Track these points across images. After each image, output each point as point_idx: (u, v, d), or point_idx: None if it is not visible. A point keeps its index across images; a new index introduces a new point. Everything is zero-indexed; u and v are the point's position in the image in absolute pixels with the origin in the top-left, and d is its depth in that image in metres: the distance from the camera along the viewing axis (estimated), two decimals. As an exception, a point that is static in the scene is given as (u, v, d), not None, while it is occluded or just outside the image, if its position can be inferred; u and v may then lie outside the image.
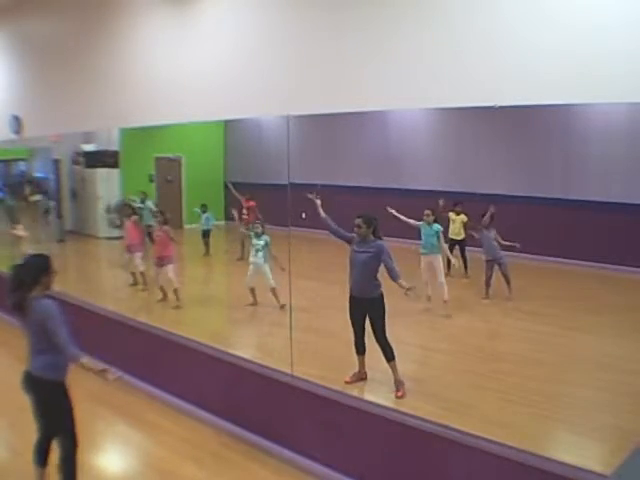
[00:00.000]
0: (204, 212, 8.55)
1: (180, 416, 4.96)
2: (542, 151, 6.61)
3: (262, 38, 4.55)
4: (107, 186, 8.80)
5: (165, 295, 6.88)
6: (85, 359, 3.35)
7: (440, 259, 6.09)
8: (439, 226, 6.03)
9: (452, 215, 7.03)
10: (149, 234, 8.21)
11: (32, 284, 3.45)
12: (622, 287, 6.00)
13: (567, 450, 3.60)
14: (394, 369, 4.35)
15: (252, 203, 8.57)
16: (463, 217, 6.97)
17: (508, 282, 6.21)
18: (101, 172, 8.76)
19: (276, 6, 4.42)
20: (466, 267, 6.95)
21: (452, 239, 6.99)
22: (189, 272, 8.92)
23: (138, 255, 7.42)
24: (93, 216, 9.02)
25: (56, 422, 3.53)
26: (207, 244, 8.71)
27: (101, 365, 3.42)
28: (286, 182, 4.64)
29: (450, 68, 3.46)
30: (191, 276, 8.55)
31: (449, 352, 4.93)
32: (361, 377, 4.52)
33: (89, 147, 8.69)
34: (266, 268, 6.50)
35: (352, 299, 4.51)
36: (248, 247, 8.59)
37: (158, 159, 9.27)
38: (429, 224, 6.10)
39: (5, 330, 7.47)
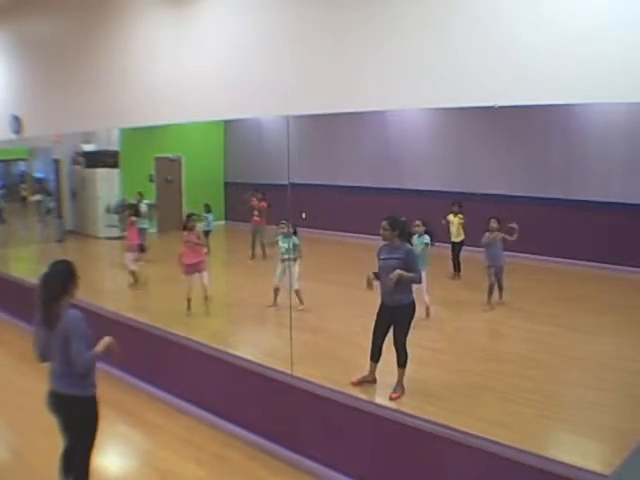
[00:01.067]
0: (208, 212, 8.54)
1: (180, 416, 4.96)
2: (542, 151, 6.62)
3: (262, 38, 4.55)
4: (107, 186, 8.81)
5: (190, 303, 6.50)
6: (98, 349, 3.33)
7: (425, 275, 5.74)
8: (428, 237, 5.80)
9: (450, 217, 6.90)
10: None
11: (62, 293, 3.26)
12: (622, 287, 6.00)
13: (567, 450, 3.60)
14: (401, 374, 4.32)
15: (264, 204, 8.54)
16: (460, 218, 6.85)
17: (502, 288, 6.13)
18: (101, 172, 8.77)
19: (276, 6, 4.42)
20: (460, 269, 6.92)
21: (453, 242, 6.87)
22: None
23: (131, 256, 7.46)
24: (93, 216, 9.04)
25: (81, 436, 3.44)
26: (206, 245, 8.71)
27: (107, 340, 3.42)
28: (286, 182, 4.64)
29: (450, 68, 3.46)
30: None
31: (449, 352, 4.93)
32: (368, 381, 4.45)
33: (89, 147, 8.70)
34: (295, 269, 6.40)
35: (382, 306, 4.41)
36: (258, 247, 8.62)
37: (158, 159, 9.28)
38: (419, 235, 5.84)
39: (5, 330, 7.48)
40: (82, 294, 6.97)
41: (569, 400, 4.39)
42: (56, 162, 9.00)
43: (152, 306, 6.95)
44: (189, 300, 6.45)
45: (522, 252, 6.34)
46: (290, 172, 4.58)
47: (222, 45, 4.88)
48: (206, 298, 6.46)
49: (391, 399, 4.18)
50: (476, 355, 5.26)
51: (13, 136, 7.83)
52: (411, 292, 4.35)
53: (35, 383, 5.62)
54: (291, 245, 6.34)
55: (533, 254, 6.47)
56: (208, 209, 8.55)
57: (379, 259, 4.40)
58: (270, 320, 6.57)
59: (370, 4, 3.80)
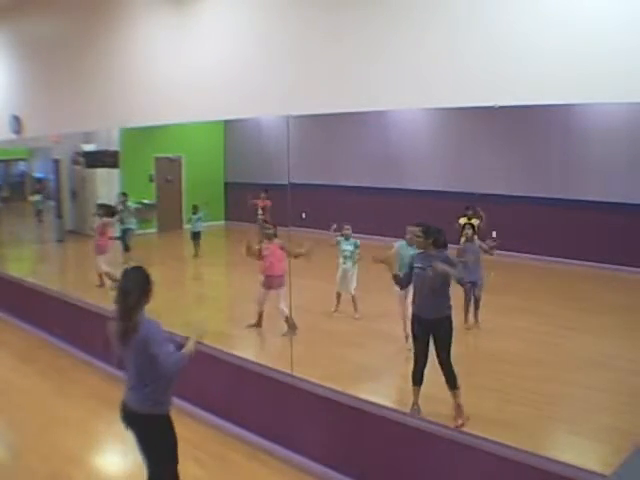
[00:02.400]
0: (194, 214, 8.52)
1: (180, 416, 4.93)
2: (542, 151, 6.61)
3: (262, 38, 4.55)
4: (107, 186, 8.80)
5: (260, 321, 6.02)
6: (189, 347, 3.15)
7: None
8: (356, 241, 5.70)
9: (463, 220, 6.22)
10: (123, 237, 8.23)
11: (140, 301, 3.04)
12: (622, 287, 6.00)
13: (567, 450, 3.60)
14: (457, 397, 3.93)
15: (268, 202, 8.54)
16: (475, 221, 6.19)
17: (478, 306, 5.53)
18: (101, 172, 8.76)
19: (276, 6, 4.42)
20: None
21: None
22: (227, 278, 8.83)
23: (103, 258, 7.42)
24: (93, 216, 9.02)
25: (155, 457, 3.21)
26: (196, 246, 8.67)
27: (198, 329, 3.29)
28: (286, 182, 4.63)
29: (450, 68, 3.46)
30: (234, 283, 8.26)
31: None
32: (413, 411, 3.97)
33: (89, 147, 8.69)
34: (354, 273, 6.14)
35: (416, 319, 4.08)
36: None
37: (158, 159, 9.28)
38: (347, 239, 5.68)
39: (5, 330, 7.48)
40: (82, 294, 7.00)
41: (569, 400, 4.39)
42: (56, 162, 8.99)
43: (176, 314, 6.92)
44: (260, 316, 5.94)
45: (522, 252, 6.34)
46: (290, 172, 4.58)
47: (222, 45, 4.88)
48: (287, 319, 5.61)
49: (458, 427, 3.71)
50: (475, 355, 5.26)
51: (13, 136, 7.83)
52: (450, 303, 4.03)
53: (35, 383, 5.64)
54: (353, 248, 6.08)
55: (533, 254, 6.47)
56: (195, 210, 8.53)
57: (413, 267, 4.09)
58: (370, 340, 5.79)
59: (370, 4, 3.81)
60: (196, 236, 8.63)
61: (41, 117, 7.37)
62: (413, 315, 4.09)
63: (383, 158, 8.32)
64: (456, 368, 4.61)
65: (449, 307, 4.01)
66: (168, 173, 9.43)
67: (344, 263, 6.18)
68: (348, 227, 6.12)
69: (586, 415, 4.13)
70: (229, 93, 4.82)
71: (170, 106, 5.39)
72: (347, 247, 6.14)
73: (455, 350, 4.85)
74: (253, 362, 4.61)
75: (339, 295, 6.25)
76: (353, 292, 6.15)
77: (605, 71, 2.88)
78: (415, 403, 4.01)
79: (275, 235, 5.94)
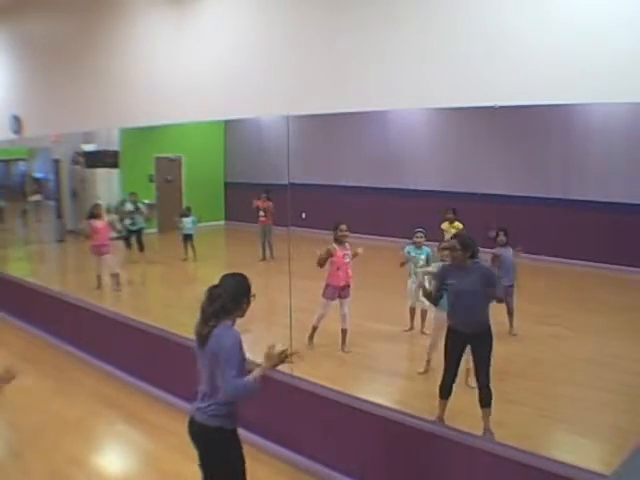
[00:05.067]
0: (187, 216, 8.37)
1: (180, 416, 4.94)
2: (542, 151, 6.61)
3: (262, 38, 4.55)
4: (107, 186, 8.80)
5: (313, 334, 5.49)
6: (255, 374, 2.77)
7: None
8: (429, 250, 5.43)
9: (445, 225, 6.21)
10: (126, 238, 8.23)
11: (231, 310, 2.82)
12: (622, 287, 6.00)
13: (567, 450, 3.60)
14: (487, 416, 3.73)
15: (269, 204, 8.48)
16: (458, 225, 6.17)
17: (512, 313, 5.35)
18: (101, 172, 8.75)
19: (276, 6, 4.42)
20: None
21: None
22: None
23: (108, 257, 7.41)
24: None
25: (218, 477, 3.00)
26: (186, 248, 8.52)
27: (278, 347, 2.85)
28: (286, 182, 4.63)
29: (450, 68, 3.46)
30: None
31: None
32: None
33: (89, 147, 8.68)
34: (426, 286, 5.52)
35: (453, 334, 3.86)
36: (268, 247, 8.58)
37: (158, 159, 9.28)
38: (419, 247, 5.40)
39: (5, 330, 7.48)
40: (82, 294, 7.00)
41: (569, 400, 4.39)
42: (56, 162, 9.00)
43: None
44: (314, 329, 5.46)
45: (521, 252, 6.33)
46: (290, 172, 4.58)
47: (222, 45, 4.88)
48: (344, 331, 5.40)
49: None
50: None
51: (13, 136, 7.83)
52: (489, 316, 3.85)
53: (35, 383, 5.64)
54: (426, 257, 5.48)
55: (533, 254, 6.46)
56: (187, 213, 8.40)
57: (446, 283, 3.86)
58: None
59: (370, 4, 3.81)
60: (189, 238, 8.50)
61: (41, 117, 7.37)
62: (449, 329, 3.89)
63: (383, 158, 8.32)
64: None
65: (488, 319, 3.82)
66: (168, 173, 9.43)
67: (417, 273, 5.45)
68: (421, 233, 5.50)
69: (586, 415, 4.13)
70: (229, 93, 4.82)
71: (170, 106, 5.39)
72: (421, 256, 5.48)
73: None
74: (253, 362, 4.59)
75: (413, 310, 5.63)
76: (427, 306, 5.43)
77: (605, 71, 2.88)
78: (440, 417, 3.83)
79: (344, 239, 5.41)
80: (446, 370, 3.88)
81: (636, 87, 2.78)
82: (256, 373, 2.78)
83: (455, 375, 3.86)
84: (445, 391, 3.88)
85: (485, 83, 3.32)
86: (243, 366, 2.80)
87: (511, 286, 5.35)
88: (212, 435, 2.89)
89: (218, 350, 2.73)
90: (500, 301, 3.96)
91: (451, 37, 3.45)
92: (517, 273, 5.38)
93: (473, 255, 3.81)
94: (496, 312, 6.05)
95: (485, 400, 3.74)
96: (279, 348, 2.83)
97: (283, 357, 2.83)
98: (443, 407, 3.86)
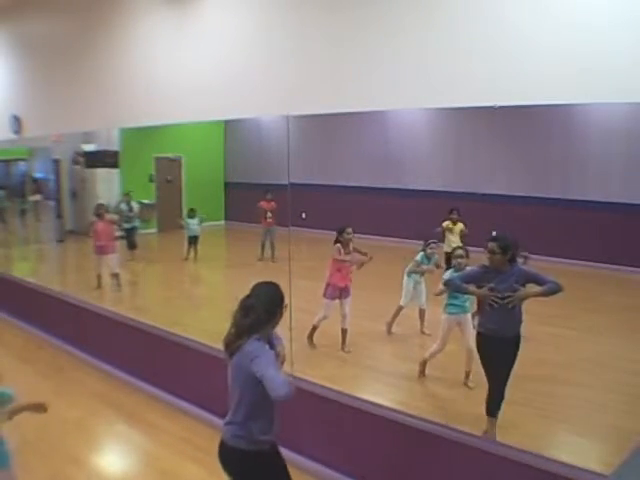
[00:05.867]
0: (192, 217, 8.40)
1: (180, 416, 4.96)
2: (542, 151, 6.61)
3: (262, 38, 4.55)
4: (107, 186, 8.81)
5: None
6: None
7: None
8: (437, 258, 5.46)
9: (449, 224, 6.26)
10: (126, 237, 8.23)
11: (266, 322, 2.66)
12: (622, 287, 6.00)
13: (567, 450, 3.60)
14: (494, 424, 3.65)
15: (273, 204, 8.46)
16: (461, 226, 6.26)
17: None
18: (101, 172, 8.77)
19: (276, 6, 4.42)
20: None
21: (448, 252, 6.03)
22: (230, 279, 8.74)
23: (111, 257, 7.40)
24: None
25: None
26: (190, 248, 8.54)
27: None
28: (286, 182, 4.63)
29: (450, 68, 3.46)
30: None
31: (448, 352, 4.92)
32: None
33: (89, 147, 8.69)
34: (423, 287, 5.66)
35: (493, 341, 3.65)
36: (270, 249, 8.58)
37: (158, 159, 9.28)
38: (429, 257, 5.40)
39: (5, 330, 7.48)
40: (82, 294, 6.99)
41: (569, 400, 4.39)
42: (56, 162, 9.00)
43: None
44: (314, 329, 5.48)
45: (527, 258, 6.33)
46: (290, 172, 4.58)
47: (222, 45, 4.88)
48: (344, 331, 5.44)
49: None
50: (476, 355, 5.25)
51: (13, 136, 7.83)
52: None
53: (35, 383, 5.64)
54: (432, 264, 5.52)
55: (533, 254, 6.45)
56: (193, 214, 8.41)
57: (482, 287, 3.70)
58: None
59: (370, 4, 3.81)
60: (194, 240, 8.51)
61: (41, 117, 7.37)
62: (485, 336, 3.70)
63: (383, 158, 8.33)
64: (456, 367, 4.62)
65: (520, 326, 3.70)
66: (168, 173, 9.43)
67: (417, 277, 5.61)
68: (435, 244, 5.50)
69: (586, 415, 4.13)
70: (229, 93, 4.82)
71: (170, 106, 5.39)
72: (428, 266, 5.51)
73: (455, 349, 4.86)
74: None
75: (400, 309, 5.70)
76: (424, 305, 5.65)
77: (605, 71, 2.88)
78: (490, 431, 3.61)
79: (349, 242, 5.42)
80: (496, 382, 3.62)
81: (636, 87, 2.78)
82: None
83: (505, 387, 3.62)
84: (496, 407, 3.61)
85: (485, 83, 3.32)
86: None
87: None
88: (231, 456, 2.69)
89: (248, 358, 2.53)
90: (551, 294, 3.58)
91: (451, 37, 3.45)
92: None
93: (513, 258, 3.65)
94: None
95: (491, 408, 3.67)
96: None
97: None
98: (493, 425, 3.59)
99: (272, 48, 4.46)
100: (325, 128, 7.92)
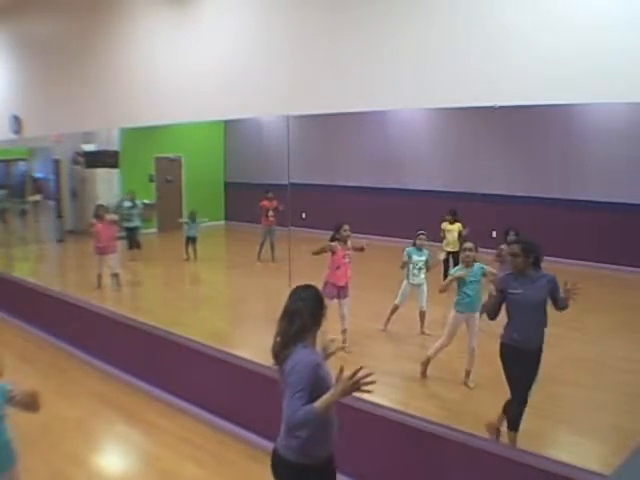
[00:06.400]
0: (193, 220, 8.45)
1: (180, 416, 4.96)
2: (542, 151, 6.61)
3: (262, 38, 4.55)
4: (107, 186, 8.81)
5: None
6: (325, 399, 2.36)
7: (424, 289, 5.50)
8: (428, 252, 5.45)
9: (446, 225, 6.37)
10: (129, 236, 8.24)
11: (312, 326, 2.57)
12: (622, 287, 6.00)
13: (567, 450, 3.60)
14: (500, 423, 3.61)
15: (275, 203, 8.45)
16: (459, 225, 6.34)
17: None
18: (101, 172, 8.77)
19: (276, 6, 4.42)
20: None
21: (447, 251, 6.30)
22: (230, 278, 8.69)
23: (111, 257, 7.40)
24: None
25: None
26: (188, 249, 8.58)
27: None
28: (286, 182, 4.64)
29: (450, 68, 3.46)
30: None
31: (448, 352, 4.93)
32: None
33: (89, 147, 8.69)
34: (424, 288, 5.55)
35: (516, 351, 3.54)
36: (267, 248, 8.58)
37: (158, 159, 9.28)
38: (420, 249, 5.42)
39: (5, 330, 7.48)
40: (82, 294, 6.99)
41: (569, 400, 4.39)
42: (56, 162, 9.00)
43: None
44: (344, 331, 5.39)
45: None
46: (290, 172, 4.58)
47: (222, 45, 4.88)
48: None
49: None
50: (477, 356, 5.25)
51: (13, 136, 7.83)
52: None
53: (35, 383, 5.63)
54: (426, 259, 5.50)
55: (533, 254, 6.46)
56: (193, 217, 8.45)
57: (508, 293, 3.57)
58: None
59: (370, 4, 3.81)
60: (192, 241, 8.53)
61: (41, 117, 7.37)
62: (509, 346, 3.59)
63: (383, 158, 8.33)
64: (457, 368, 4.62)
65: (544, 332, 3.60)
66: (168, 173, 9.43)
67: (415, 276, 5.51)
68: (423, 235, 5.40)
69: (586, 415, 4.13)
70: (229, 93, 4.82)
71: (170, 106, 5.39)
72: (419, 259, 5.47)
73: (455, 349, 4.86)
74: (253, 362, 4.61)
75: (396, 308, 5.64)
76: (425, 307, 5.57)
77: (605, 71, 2.88)
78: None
79: (347, 239, 5.33)
80: (518, 396, 3.51)
81: (636, 87, 2.78)
82: (323, 398, 2.38)
83: (527, 400, 3.51)
84: (517, 422, 3.48)
85: (485, 83, 3.32)
86: (316, 393, 2.39)
87: None
88: (282, 468, 2.62)
89: (290, 371, 2.44)
90: (562, 309, 3.61)
91: (451, 37, 3.45)
92: None
93: (536, 262, 3.55)
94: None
95: (512, 424, 3.55)
96: (349, 373, 2.40)
97: (355, 385, 2.38)
98: (514, 439, 3.49)
99: (272, 48, 4.46)
100: (325, 128, 7.92)
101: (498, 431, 3.62)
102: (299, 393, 2.35)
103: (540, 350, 3.59)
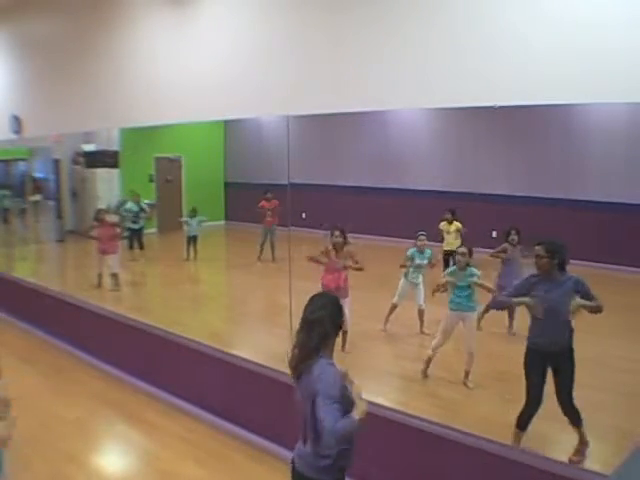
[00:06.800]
0: (193, 216, 8.39)
1: (180, 416, 4.96)
2: (542, 151, 6.61)
3: (262, 38, 4.55)
4: (107, 186, 8.81)
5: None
6: (359, 411, 2.32)
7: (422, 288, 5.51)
8: (430, 251, 5.43)
9: (444, 225, 6.36)
10: (132, 237, 8.24)
11: (333, 335, 2.48)
12: (622, 287, 5.99)
13: (567, 450, 3.59)
14: (582, 434, 3.53)
15: (275, 202, 8.44)
16: (458, 225, 6.32)
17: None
18: (101, 172, 8.77)
19: (276, 6, 4.42)
20: None
21: (446, 251, 6.22)
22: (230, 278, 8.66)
23: (111, 257, 7.40)
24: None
25: None
26: (189, 248, 8.53)
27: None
28: (286, 182, 4.63)
29: (450, 68, 3.46)
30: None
31: (448, 352, 4.93)
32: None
33: (89, 147, 8.69)
34: (421, 287, 5.59)
35: (535, 354, 3.57)
36: (267, 248, 8.58)
37: (158, 159, 9.28)
38: (421, 250, 5.40)
39: (6, 330, 7.48)
40: (83, 294, 6.99)
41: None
42: (56, 162, 9.00)
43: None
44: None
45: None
46: (290, 172, 4.58)
47: (222, 45, 4.88)
48: (344, 333, 5.16)
49: (571, 461, 3.33)
50: (476, 355, 5.25)
51: (13, 136, 7.83)
52: (572, 331, 3.60)
53: (35, 383, 5.64)
54: (429, 260, 5.46)
55: (532, 254, 6.46)
56: (194, 213, 8.40)
57: (532, 296, 3.54)
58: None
59: (370, 4, 3.81)
60: (193, 240, 8.50)
61: (41, 117, 7.37)
62: (531, 349, 3.60)
63: (383, 158, 8.32)
64: (457, 368, 4.62)
65: (572, 334, 3.58)
66: (168, 173, 9.43)
67: (415, 278, 5.52)
68: (423, 236, 5.33)
69: (586, 415, 4.11)
70: (229, 93, 4.82)
71: (170, 106, 5.39)
72: (423, 261, 5.43)
73: (455, 349, 4.86)
74: (253, 362, 4.61)
75: (394, 308, 5.63)
76: (423, 305, 5.57)
77: (605, 71, 2.88)
78: (516, 442, 3.51)
79: (341, 246, 5.21)
80: (531, 398, 3.53)
81: (636, 87, 2.78)
82: (360, 411, 2.33)
83: (540, 403, 3.53)
84: (526, 422, 3.51)
85: (485, 83, 3.32)
86: (343, 407, 2.33)
87: None
88: (295, 477, 2.51)
89: (316, 388, 2.33)
90: (597, 311, 3.52)
91: (451, 37, 3.45)
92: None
93: (562, 264, 3.46)
94: (498, 312, 6.08)
95: (575, 420, 3.53)
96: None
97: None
98: (519, 439, 3.50)
99: (272, 48, 4.46)
100: (325, 128, 7.92)
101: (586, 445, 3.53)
102: (336, 404, 2.28)
103: (567, 352, 3.54)
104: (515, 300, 3.67)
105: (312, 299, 2.53)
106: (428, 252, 5.52)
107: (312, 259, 5.31)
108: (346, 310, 5.31)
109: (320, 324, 2.41)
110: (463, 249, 4.61)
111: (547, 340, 3.53)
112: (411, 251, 5.47)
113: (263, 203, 8.53)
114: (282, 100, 4.36)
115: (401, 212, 6.90)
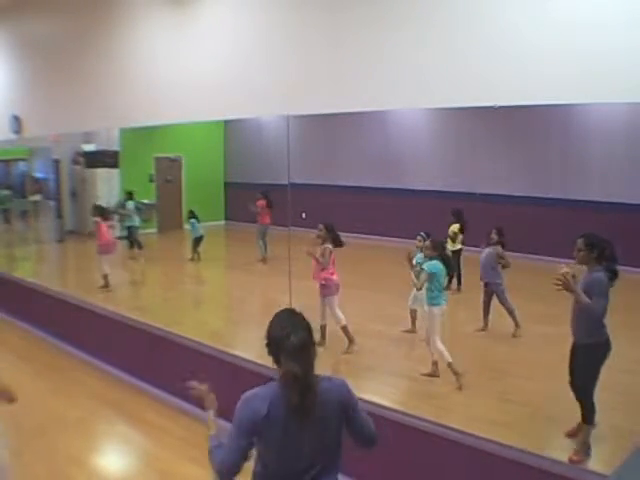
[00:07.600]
0: (192, 218, 8.40)
1: (180, 416, 4.95)
2: (542, 151, 6.61)
3: (262, 38, 4.55)
4: (107, 186, 8.82)
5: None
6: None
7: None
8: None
9: (454, 228, 6.21)
10: (128, 236, 8.25)
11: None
12: (622, 287, 5.98)
13: (567, 450, 3.59)
14: (587, 432, 3.47)
15: (263, 202, 8.44)
16: (454, 227, 6.20)
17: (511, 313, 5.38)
18: (101, 172, 8.78)
19: (276, 6, 4.42)
20: (460, 281, 6.27)
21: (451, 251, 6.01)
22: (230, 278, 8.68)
23: (106, 257, 7.40)
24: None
25: None
26: (195, 250, 8.55)
27: None
28: (286, 182, 4.64)
29: (450, 68, 3.46)
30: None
31: (451, 352, 4.93)
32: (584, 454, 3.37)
33: (89, 147, 8.70)
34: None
35: (572, 347, 3.61)
36: (263, 247, 8.58)
37: (158, 159, 9.29)
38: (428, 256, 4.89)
39: (5, 330, 7.48)
40: (82, 294, 6.99)
41: (569, 400, 4.38)
42: (56, 162, 9.01)
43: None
44: (323, 327, 5.29)
45: (522, 252, 6.33)
46: (290, 172, 4.58)
47: (222, 45, 4.88)
48: (343, 329, 5.24)
49: (571, 461, 3.24)
50: (476, 355, 5.25)
51: (13, 136, 7.83)
52: (599, 328, 3.52)
53: (35, 383, 5.64)
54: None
55: (533, 254, 6.46)
56: (192, 215, 8.41)
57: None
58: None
59: (370, 4, 3.81)
60: (198, 241, 8.50)
61: (41, 117, 7.37)
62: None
63: (383, 158, 8.33)
64: (457, 368, 4.61)
65: (594, 332, 3.50)
66: (168, 173, 9.43)
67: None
68: (421, 237, 5.17)
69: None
70: (229, 93, 4.82)
71: (170, 106, 5.39)
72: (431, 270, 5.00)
73: (455, 349, 4.86)
74: (252, 361, 4.60)
75: (414, 312, 5.50)
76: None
77: (605, 71, 2.88)
78: (583, 449, 3.39)
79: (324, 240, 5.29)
80: (593, 392, 3.48)
81: (636, 87, 2.78)
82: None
83: (592, 393, 3.46)
84: (589, 416, 3.44)
85: (485, 83, 3.32)
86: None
87: (499, 284, 5.44)
88: None
89: (344, 402, 2.15)
90: (591, 315, 3.50)
91: (451, 37, 3.45)
92: (502, 272, 5.45)
93: (600, 257, 3.46)
94: (498, 313, 6.08)
95: (584, 415, 3.48)
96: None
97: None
98: (588, 435, 3.45)
99: (272, 48, 4.46)
100: (325, 128, 7.92)
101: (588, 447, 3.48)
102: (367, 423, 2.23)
103: (584, 348, 3.52)
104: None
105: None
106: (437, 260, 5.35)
107: (309, 253, 5.40)
108: (327, 309, 5.29)
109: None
110: (419, 238, 4.84)
111: (573, 332, 3.58)
112: (417, 258, 5.17)
113: (258, 203, 8.58)
114: (282, 100, 4.36)
115: (401, 212, 6.90)
